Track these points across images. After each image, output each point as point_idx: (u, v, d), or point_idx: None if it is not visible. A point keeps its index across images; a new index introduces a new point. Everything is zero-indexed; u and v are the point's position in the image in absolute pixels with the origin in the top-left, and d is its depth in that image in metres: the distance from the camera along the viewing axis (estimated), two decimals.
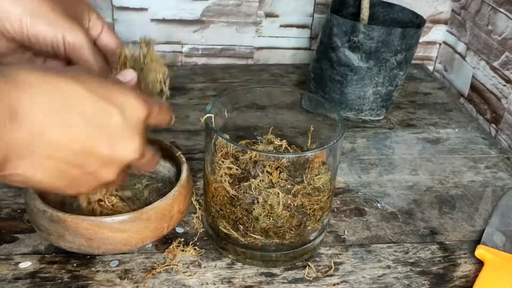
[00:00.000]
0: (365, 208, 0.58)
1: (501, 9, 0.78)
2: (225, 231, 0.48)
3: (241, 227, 0.47)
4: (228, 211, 0.47)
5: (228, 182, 0.46)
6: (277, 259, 0.49)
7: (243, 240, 0.48)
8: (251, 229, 0.47)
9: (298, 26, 0.90)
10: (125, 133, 0.29)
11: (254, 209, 0.46)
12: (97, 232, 0.44)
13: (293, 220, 0.47)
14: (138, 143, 0.31)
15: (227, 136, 0.47)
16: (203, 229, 0.53)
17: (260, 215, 0.46)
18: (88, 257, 0.49)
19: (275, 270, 0.49)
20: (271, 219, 0.46)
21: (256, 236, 0.47)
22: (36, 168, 0.27)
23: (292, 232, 0.47)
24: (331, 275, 0.49)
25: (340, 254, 0.52)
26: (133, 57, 0.45)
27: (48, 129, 0.26)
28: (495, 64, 0.79)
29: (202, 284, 0.47)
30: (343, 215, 0.57)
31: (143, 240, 0.47)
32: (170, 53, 0.89)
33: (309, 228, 0.48)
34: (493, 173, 0.66)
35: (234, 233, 0.47)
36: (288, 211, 0.46)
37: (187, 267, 0.49)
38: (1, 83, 0.24)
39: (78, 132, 0.27)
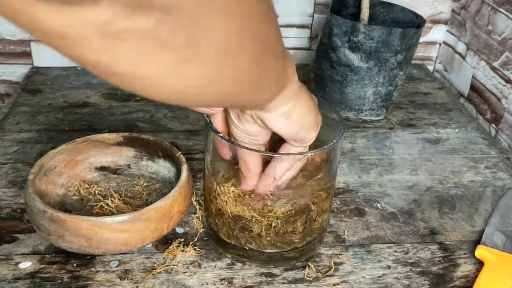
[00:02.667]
0: (365, 208, 0.58)
1: (501, 9, 0.78)
2: (226, 239, 0.49)
3: (248, 246, 0.48)
4: (228, 228, 0.48)
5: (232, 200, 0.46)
6: (277, 259, 0.49)
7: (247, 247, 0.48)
8: (255, 244, 0.48)
9: (298, 26, 0.90)
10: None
11: (252, 226, 0.46)
12: (97, 232, 0.44)
13: (298, 223, 0.47)
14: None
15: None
16: (203, 229, 0.53)
17: (262, 230, 0.46)
18: (88, 257, 0.49)
19: (275, 270, 0.49)
20: (274, 231, 0.47)
21: (265, 250, 0.48)
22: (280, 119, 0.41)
23: (298, 235, 0.48)
24: (331, 275, 0.49)
25: (340, 254, 0.52)
26: None
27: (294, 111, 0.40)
28: (495, 64, 0.79)
29: (202, 284, 0.47)
30: (343, 215, 0.57)
31: (143, 240, 0.47)
32: None
33: (315, 226, 0.48)
34: (493, 173, 0.66)
35: (243, 243, 0.48)
36: (291, 217, 0.46)
37: (187, 267, 0.49)
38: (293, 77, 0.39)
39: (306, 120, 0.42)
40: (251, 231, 0.47)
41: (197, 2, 0.23)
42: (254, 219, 0.46)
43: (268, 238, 0.47)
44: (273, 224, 0.46)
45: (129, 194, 0.55)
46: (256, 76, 0.32)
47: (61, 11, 0.21)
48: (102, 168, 0.56)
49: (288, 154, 0.45)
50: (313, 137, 0.43)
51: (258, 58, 0.30)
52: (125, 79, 0.25)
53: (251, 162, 0.44)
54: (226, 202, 0.46)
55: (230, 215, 0.46)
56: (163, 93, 0.28)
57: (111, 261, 0.49)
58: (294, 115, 0.40)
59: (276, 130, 0.41)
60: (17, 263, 0.48)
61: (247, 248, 0.48)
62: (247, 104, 0.38)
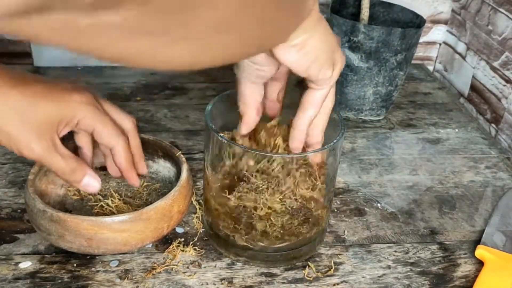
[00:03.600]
0: (365, 208, 0.58)
1: (501, 9, 0.78)
2: (234, 239, 0.49)
3: (250, 243, 0.48)
4: (229, 223, 0.48)
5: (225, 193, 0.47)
6: (277, 259, 0.49)
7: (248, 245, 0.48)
8: (256, 241, 0.48)
9: None
10: None
11: (255, 223, 0.46)
12: (97, 232, 0.44)
13: (295, 221, 0.47)
14: None
15: (226, 136, 0.47)
16: (203, 229, 0.53)
17: (265, 227, 0.46)
18: (88, 257, 0.49)
19: (275, 270, 0.49)
20: (275, 229, 0.47)
21: (265, 251, 0.48)
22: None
23: (299, 235, 0.48)
24: (331, 275, 0.49)
25: (340, 254, 0.52)
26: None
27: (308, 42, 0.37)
28: (495, 64, 0.79)
29: (202, 284, 0.47)
30: (343, 215, 0.57)
31: (143, 240, 0.47)
32: None
33: (312, 224, 0.48)
34: (493, 173, 0.66)
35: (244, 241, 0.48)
36: (288, 213, 0.46)
37: (187, 267, 0.49)
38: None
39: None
40: (254, 227, 0.47)
41: None
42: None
43: (272, 234, 0.47)
44: (273, 219, 0.46)
45: (129, 194, 0.55)
46: (271, 21, 0.29)
47: (28, 19, 0.21)
48: (102, 168, 0.56)
49: (288, 155, 0.45)
50: (329, 77, 0.40)
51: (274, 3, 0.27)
52: (120, 62, 0.25)
53: (247, 95, 0.43)
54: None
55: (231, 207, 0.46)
56: (161, 66, 0.27)
57: (111, 261, 0.49)
58: (306, 47, 0.37)
59: (285, 62, 0.38)
60: (17, 263, 0.48)
61: (248, 247, 0.48)
62: (260, 50, 0.35)
